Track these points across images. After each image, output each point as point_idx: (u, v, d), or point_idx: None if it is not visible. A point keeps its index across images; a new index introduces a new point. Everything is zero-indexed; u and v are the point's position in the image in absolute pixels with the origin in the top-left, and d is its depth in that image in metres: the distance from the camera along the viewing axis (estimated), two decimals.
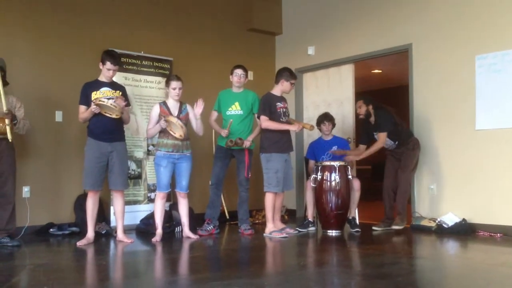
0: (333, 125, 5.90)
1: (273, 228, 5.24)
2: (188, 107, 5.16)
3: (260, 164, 5.30)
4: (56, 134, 5.59)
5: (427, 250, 4.73)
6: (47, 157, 5.52)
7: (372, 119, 5.62)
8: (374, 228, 5.58)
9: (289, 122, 5.33)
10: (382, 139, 5.50)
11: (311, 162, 5.95)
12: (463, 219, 5.29)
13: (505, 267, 3.73)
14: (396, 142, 5.57)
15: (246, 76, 5.55)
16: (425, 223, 5.46)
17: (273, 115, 5.19)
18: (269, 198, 5.21)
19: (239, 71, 5.47)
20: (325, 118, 5.85)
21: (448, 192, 5.57)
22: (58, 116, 5.60)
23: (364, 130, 5.80)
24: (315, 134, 6.41)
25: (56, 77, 5.61)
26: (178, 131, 4.92)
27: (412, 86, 5.95)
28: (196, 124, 5.12)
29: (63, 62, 5.67)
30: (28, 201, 5.32)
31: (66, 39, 5.69)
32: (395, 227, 5.52)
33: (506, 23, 5.15)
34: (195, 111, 5.07)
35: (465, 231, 5.17)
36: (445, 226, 5.28)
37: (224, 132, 5.34)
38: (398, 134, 5.55)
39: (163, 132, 5.01)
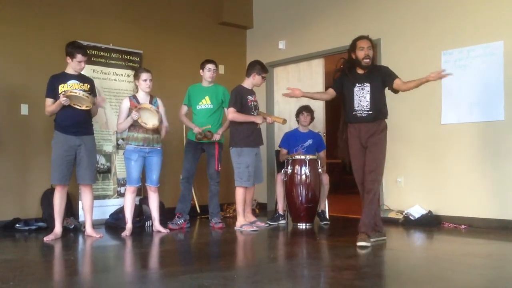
0: (312, 118, 5.94)
1: (244, 221, 5.25)
2: (159, 101, 5.12)
3: (230, 157, 5.29)
4: (21, 127, 5.46)
5: (394, 241, 4.82)
6: (12, 151, 5.40)
7: (365, 70, 4.47)
8: (358, 244, 4.11)
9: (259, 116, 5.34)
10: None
11: (283, 150, 5.94)
12: (429, 211, 5.42)
13: (469, 257, 3.84)
14: (371, 112, 4.36)
15: (218, 70, 5.54)
16: (392, 215, 5.57)
17: (244, 108, 5.19)
18: (239, 192, 5.21)
19: (211, 66, 5.45)
20: (305, 109, 5.88)
21: (415, 184, 5.69)
22: (24, 109, 5.48)
23: (339, 79, 4.56)
24: (286, 127, 6.44)
25: (22, 69, 5.48)
26: (151, 120, 4.85)
27: None
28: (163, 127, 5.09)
29: (29, 54, 5.53)
30: None
31: (32, 30, 5.56)
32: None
33: (472, 20, 5.28)
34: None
35: (431, 223, 5.29)
36: (412, 218, 5.39)
37: (196, 129, 5.32)
38: (382, 100, 4.47)
39: (133, 125, 4.95)
